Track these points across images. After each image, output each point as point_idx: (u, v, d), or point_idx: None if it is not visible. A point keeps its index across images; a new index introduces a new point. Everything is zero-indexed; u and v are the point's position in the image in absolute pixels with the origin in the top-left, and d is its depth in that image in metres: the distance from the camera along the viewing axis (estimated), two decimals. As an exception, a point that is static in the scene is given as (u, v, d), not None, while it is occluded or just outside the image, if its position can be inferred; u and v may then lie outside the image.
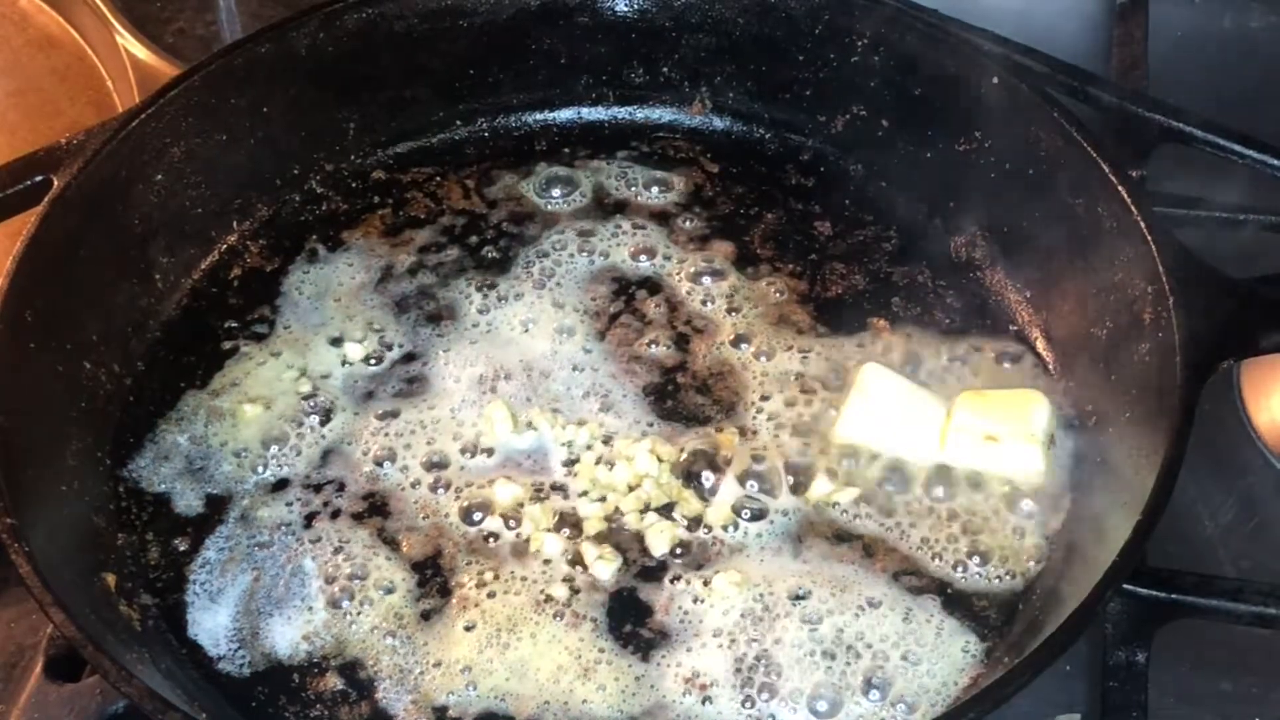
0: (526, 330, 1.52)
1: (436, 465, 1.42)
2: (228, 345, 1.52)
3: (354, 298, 1.56)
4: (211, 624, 1.32)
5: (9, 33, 2.01)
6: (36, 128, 1.88)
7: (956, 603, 1.31)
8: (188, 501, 1.41)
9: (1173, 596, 1.23)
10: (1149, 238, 1.35)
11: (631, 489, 1.39)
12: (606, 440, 1.43)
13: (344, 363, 1.50)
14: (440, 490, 1.40)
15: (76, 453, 1.39)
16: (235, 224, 1.61)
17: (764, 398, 1.46)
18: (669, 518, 1.37)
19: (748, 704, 1.25)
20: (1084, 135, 1.44)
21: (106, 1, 1.91)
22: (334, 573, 1.34)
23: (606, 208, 1.65)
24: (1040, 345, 1.49)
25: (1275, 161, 1.56)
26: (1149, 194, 1.48)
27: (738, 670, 1.27)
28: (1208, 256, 1.36)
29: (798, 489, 1.39)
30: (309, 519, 1.39)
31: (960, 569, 1.33)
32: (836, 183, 1.64)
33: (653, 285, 1.57)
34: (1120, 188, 1.40)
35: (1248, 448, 1.50)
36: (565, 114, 1.73)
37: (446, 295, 1.56)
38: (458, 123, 1.71)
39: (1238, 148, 1.57)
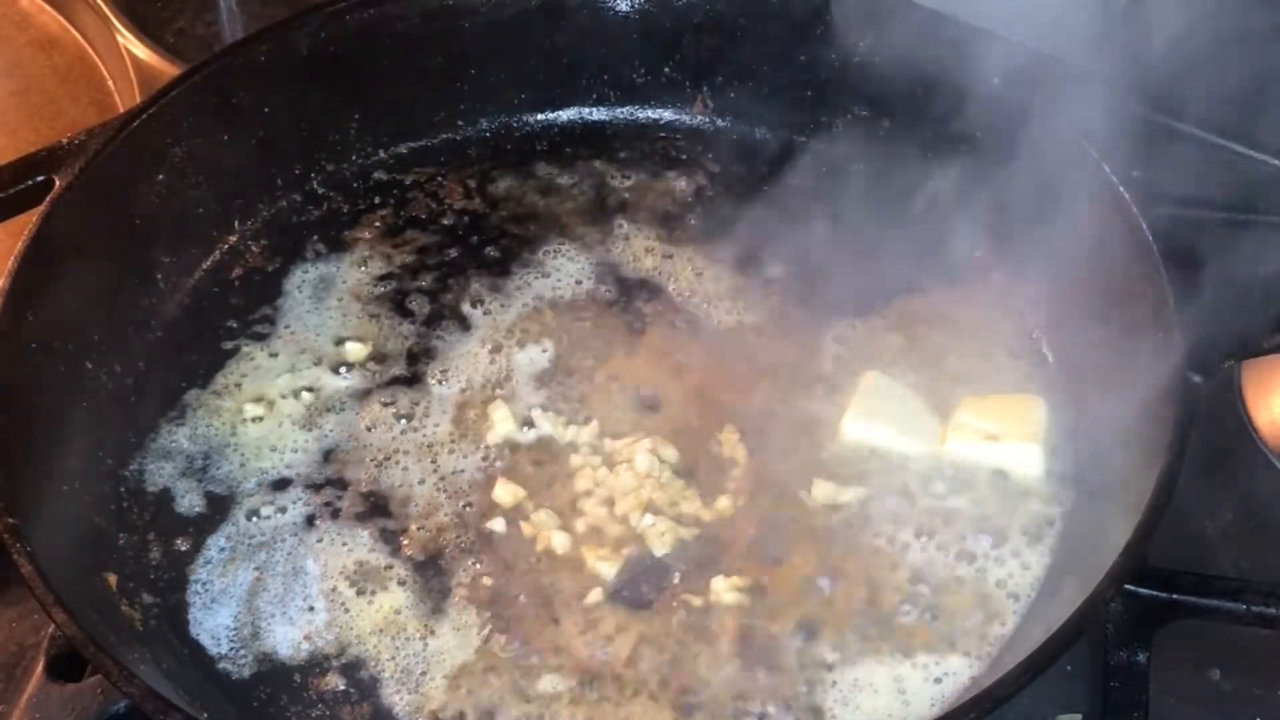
0: (527, 330, 1.53)
1: (437, 465, 1.42)
2: (229, 345, 1.52)
3: (355, 297, 1.56)
4: (213, 624, 1.32)
5: (10, 33, 2.02)
6: (38, 128, 1.88)
7: (957, 603, 1.31)
8: (189, 501, 1.41)
9: (1174, 597, 1.23)
10: (1149, 238, 1.35)
11: (633, 489, 1.39)
12: (608, 440, 1.43)
13: (345, 362, 1.50)
14: (441, 490, 1.40)
15: (78, 452, 1.39)
16: (236, 224, 1.61)
17: (766, 397, 1.46)
18: (670, 518, 1.37)
19: (752, 705, 1.25)
20: (1085, 135, 1.44)
21: (108, 2, 1.92)
22: (335, 573, 1.34)
23: (608, 208, 1.65)
24: (1041, 345, 1.49)
25: (1275, 161, 1.56)
26: (1149, 194, 1.48)
27: (740, 672, 1.27)
28: (1208, 256, 1.36)
29: (801, 490, 1.39)
30: (310, 519, 1.39)
31: (962, 569, 1.33)
32: (838, 183, 1.64)
33: (654, 285, 1.57)
34: (1120, 188, 1.40)
35: (1248, 448, 1.50)
36: (566, 114, 1.73)
37: (447, 295, 1.57)
38: (459, 123, 1.71)
39: (1238, 148, 1.57)
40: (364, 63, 1.65)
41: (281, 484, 1.42)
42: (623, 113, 1.73)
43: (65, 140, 1.48)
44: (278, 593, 1.34)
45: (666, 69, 1.71)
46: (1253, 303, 1.34)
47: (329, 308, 1.55)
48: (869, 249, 1.57)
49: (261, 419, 1.45)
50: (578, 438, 1.43)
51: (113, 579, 1.32)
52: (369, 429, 1.45)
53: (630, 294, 1.56)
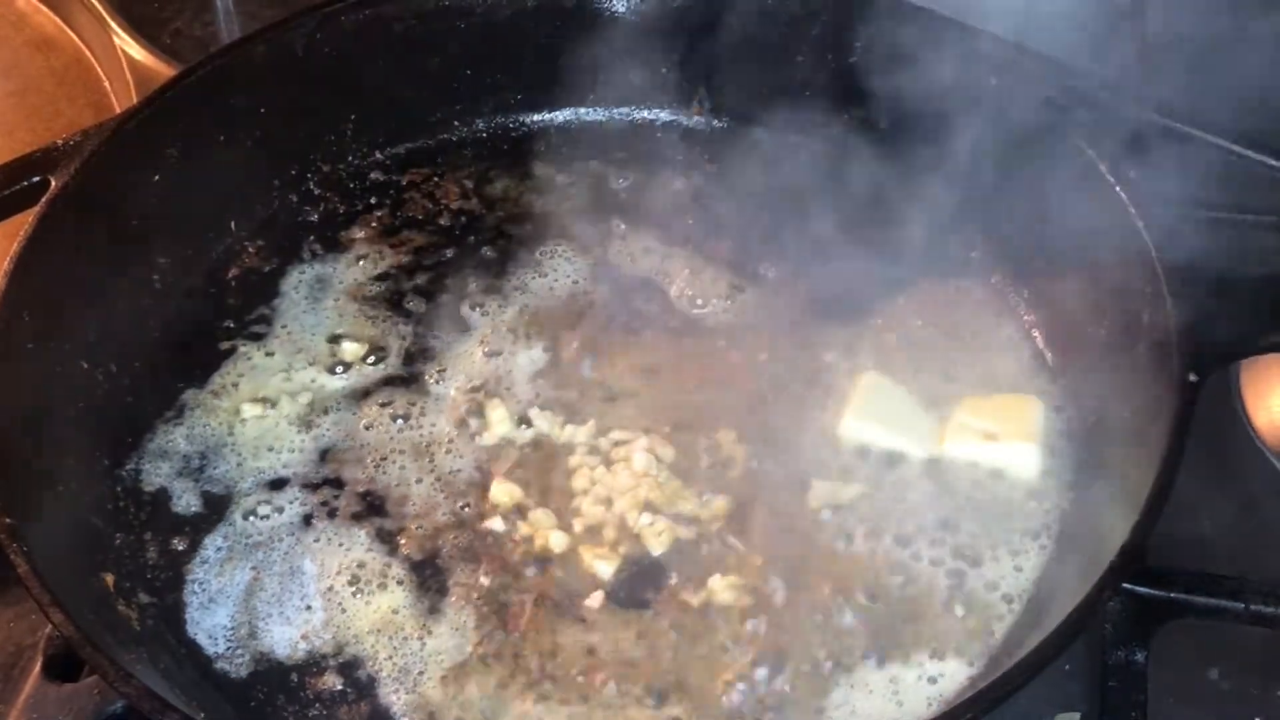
0: (525, 330, 1.52)
1: (434, 465, 1.42)
2: (225, 345, 1.52)
3: (351, 298, 1.56)
4: (210, 623, 1.32)
5: (7, 34, 2.02)
6: (34, 128, 1.88)
7: (955, 602, 1.31)
8: (186, 501, 1.40)
9: (1172, 596, 1.23)
10: (1147, 238, 1.35)
11: (630, 488, 1.38)
12: (605, 439, 1.43)
13: (341, 362, 1.50)
14: (439, 490, 1.40)
15: (74, 452, 1.38)
16: (233, 225, 1.61)
17: (764, 398, 1.46)
18: (668, 517, 1.37)
19: (748, 705, 1.25)
20: (1083, 136, 1.44)
21: (104, 2, 1.92)
22: (332, 572, 1.34)
23: (605, 208, 1.65)
24: (1039, 345, 1.49)
25: (1275, 161, 1.56)
26: (1148, 194, 1.48)
27: (736, 672, 1.27)
28: (1207, 256, 1.36)
29: (798, 489, 1.39)
30: (307, 519, 1.38)
31: (959, 568, 1.33)
32: (836, 184, 1.64)
33: (650, 285, 1.57)
34: (1118, 188, 1.40)
35: (1247, 447, 1.50)
36: (563, 114, 1.73)
37: (445, 295, 1.57)
38: (455, 123, 1.72)
39: (1237, 148, 1.57)
40: (360, 63, 1.65)
41: (278, 484, 1.41)
42: (620, 113, 1.73)
43: (61, 141, 1.48)
44: (275, 592, 1.33)
45: (663, 69, 1.71)
46: (1250, 302, 1.34)
47: (326, 308, 1.55)
48: (866, 249, 1.57)
49: (258, 419, 1.45)
50: (575, 437, 1.43)
51: (110, 579, 1.32)
52: (366, 429, 1.45)
53: (627, 294, 1.56)
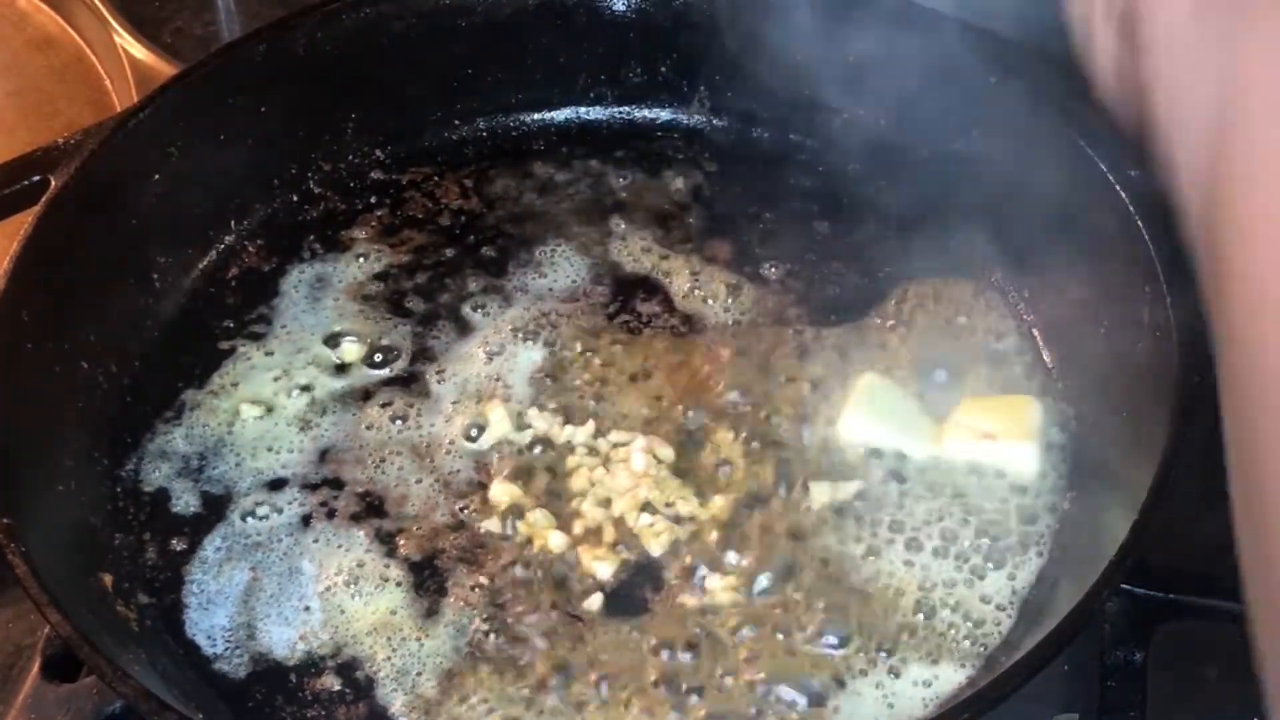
0: (524, 330, 1.52)
1: (434, 466, 1.42)
2: (225, 345, 1.52)
3: (351, 297, 1.56)
4: (209, 624, 1.32)
5: (7, 32, 2.02)
6: (34, 127, 1.88)
7: (952, 603, 1.31)
8: (185, 501, 1.40)
9: (1171, 596, 1.23)
10: (1146, 237, 1.35)
11: (629, 489, 1.38)
12: (604, 440, 1.43)
13: (341, 362, 1.50)
14: (437, 490, 1.40)
15: (73, 452, 1.38)
16: (233, 224, 1.61)
17: (762, 398, 1.46)
18: (666, 518, 1.37)
19: (742, 707, 1.25)
20: (1082, 134, 1.44)
21: (105, 1, 1.92)
22: (331, 573, 1.34)
23: (604, 208, 1.65)
24: (1038, 344, 1.49)
25: (1273, 161, 1.56)
26: (1147, 194, 1.48)
27: (731, 673, 1.27)
28: (1206, 256, 1.36)
29: (797, 489, 1.39)
30: (306, 519, 1.38)
31: (957, 568, 1.33)
32: (836, 183, 1.64)
33: (650, 285, 1.57)
34: (1118, 186, 1.40)
35: (1246, 447, 1.49)
36: (563, 114, 1.73)
37: (444, 295, 1.56)
38: (456, 122, 1.71)
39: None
40: (361, 63, 1.64)
41: (277, 484, 1.41)
42: (620, 112, 1.73)
43: (61, 140, 1.48)
44: (273, 593, 1.33)
45: (663, 68, 1.71)
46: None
47: (325, 307, 1.55)
48: (866, 249, 1.57)
49: (258, 419, 1.45)
50: (574, 437, 1.43)
51: (108, 579, 1.32)
52: (365, 429, 1.45)
53: (627, 294, 1.56)
